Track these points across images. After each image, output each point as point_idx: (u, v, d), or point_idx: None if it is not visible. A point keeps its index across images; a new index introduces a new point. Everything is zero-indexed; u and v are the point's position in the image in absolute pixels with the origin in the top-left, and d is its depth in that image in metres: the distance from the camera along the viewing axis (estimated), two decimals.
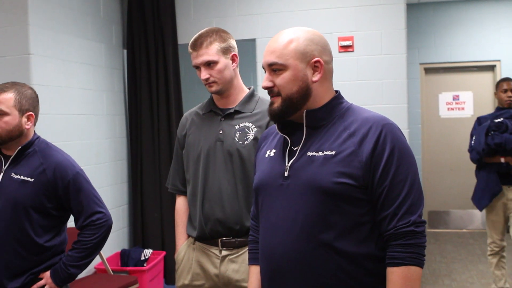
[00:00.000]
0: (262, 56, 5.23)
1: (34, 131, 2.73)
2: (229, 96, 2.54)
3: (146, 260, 5.08)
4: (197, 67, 2.49)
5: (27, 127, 2.63)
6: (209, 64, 2.45)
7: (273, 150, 1.91)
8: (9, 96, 2.58)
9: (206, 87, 2.50)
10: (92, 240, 2.65)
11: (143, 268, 4.88)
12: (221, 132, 2.49)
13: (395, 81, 5.05)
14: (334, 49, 5.14)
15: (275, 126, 1.92)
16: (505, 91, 5.01)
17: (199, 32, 2.51)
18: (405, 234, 1.69)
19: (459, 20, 7.72)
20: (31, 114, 2.65)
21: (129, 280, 4.40)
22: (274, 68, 1.80)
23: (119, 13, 5.56)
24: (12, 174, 2.60)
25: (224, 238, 2.48)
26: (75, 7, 4.73)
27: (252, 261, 2.05)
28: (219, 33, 2.50)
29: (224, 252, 2.49)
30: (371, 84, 5.09)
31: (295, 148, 1.83)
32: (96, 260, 4.79)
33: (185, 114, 2.71)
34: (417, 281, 1.70)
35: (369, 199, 1.73)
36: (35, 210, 2.57)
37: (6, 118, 2.57)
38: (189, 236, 2.62)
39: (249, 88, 2.60)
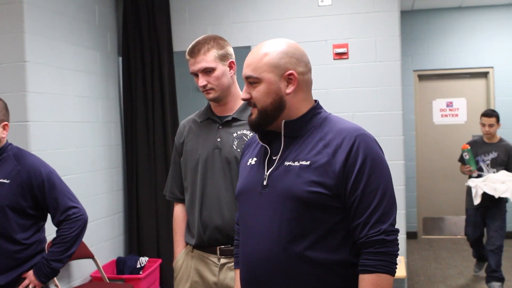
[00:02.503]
0: None
1: (6, 139, 2.87)
2: (227, 103, 2.54)
3: (142, 268, 5.07)
4: (195, 74, 2.49)
5: (3, 136, 2.80)
6: (207, 71, 2.45)
7: (255, 159, 1.96)
8: None
9: (203, 94, 2.50)
10: (70, 234, 2.81)
11: (139, 276, 4.86)
12: (219, 139, 2.49)
13: (389, 88, 5.07)
14: (329, 57, 5.17)
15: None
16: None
17: (197, 39, 2.52)
18: (376, 242, 1.73)
19: (452, 27, 7.77)
20: (6, 124, 2.81)
21: None
22: (250, 81, 1.86)
23: (114, 21, 5.56)
24: None
25: (222, 246, 2.48)
26: (71, 14, 4.73)
27: (237, 265, 2.11)
28: (216, 40, 2.50)
29: (222, 260, 2.48)
30: (365, 91, 5.11)
31: (274, 158, 1.87)
32: (92, 268, 4.78)
33: (183, 122, 2.71)
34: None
35: (343, 208, 1.77)
36: (12, 209, 2.73)
37: None
38: (187, 244, 2.62)
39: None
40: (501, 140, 5.47)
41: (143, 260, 5.14)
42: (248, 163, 1.98)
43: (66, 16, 4.66)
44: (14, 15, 4.10)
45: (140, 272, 5.03)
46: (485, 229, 5.60)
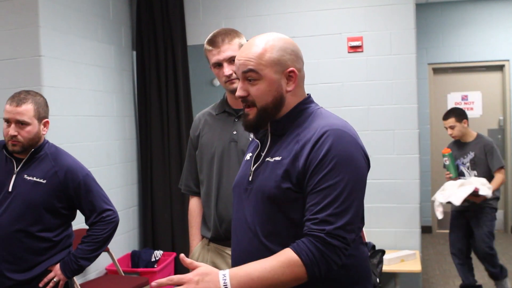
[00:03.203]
0: None
1: (44, 136, 2.87)
2: None
3: (156, 261, 5.09)
4: (217, 65, 2.45)
5: (43, 133, 2.81)
6: (232, 60, 2.39)
7: (250, 154, 1.94)
8: (29, 107, 2.71)
9: (226, 84, 2.45)
10: (102, 235, 2.85)
11: (154, 269, 4.89)
12: (235, 132, 2.48)
13: (404, 81, 5.03)
14: (343, 50, 5.14)
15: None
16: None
17: (216, 31, 2.50)
18: (315, 237, 1.60)
19: (467, 20, 7.70)
20: (47, 121, 2.83)
21: (140, 281, 4.41)
22: (249, 77, 1.77)
23: (128, 15, 5.57)
24: (25, 176, 2.74)
25: None
26: (85, 9, 4.74)
27: None
28: (236, 31, 2.50)
29: None
30: (380, 84, 5.08)
31: (262, 154, 1.85)
32: (107, 261, 4.81)
33: (198, 115, 2.70)
34: (291, 273, 1.59)
35: None
36: (46, 209, 2.73)
37: (28, 128, 2.72)
38: (203, 237, 2.62)
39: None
40: (477, 137, 5.01)
41: (158, 253, 5.16)
42: (245, 158, 1.97)
43: (81, 10, 4.68)
44: (29, 10, 4.12)
45: (155, 266, 5.05)
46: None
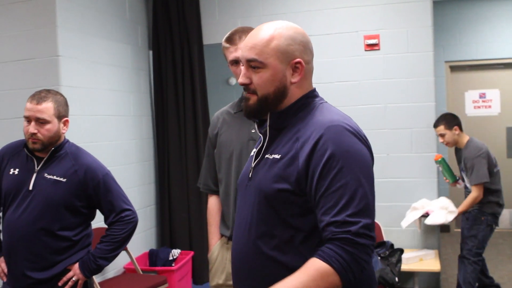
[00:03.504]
0: None
1: (64, 135, 2.88)
2: None
3: (174, 260, 5.10)
4: (235, 62, 2.45)
5: (63, 131, 2.82)
6: None
7: (254, 149, 1.87)
8: (49, 105, 2.73)
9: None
10: (121, 235, 2.85)
11: (172, 268, 4.90)
12: (253, 131, 2.47)
13: (421, 79, 5.00)
14: (360, 48, 5.12)
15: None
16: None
17: (234, 29, 2.51)
18: (342, 240, 1.52)
19: (484, 17, 7.62)
20: (67, 120, 2.84)
21: (158, 280, 4.43)
22: (252, 65, 1.71)
23: (144, 15, 5.59)
24: (45, 174, 2.75)
25: None
26: (102, 9, 4.77)
27: None
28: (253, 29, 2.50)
29: None
30: (397, 82, 5.05)
31: (264, 148, 1.79)
32: (125, 260, 4.83)
33: (216, 113, 2.70)
34: (326, 285, 1.51)
35: (310, 207, 1.62)
36: (65, 208, 2.74)
37: (48, 126, 2.73)
38: (222, 235, 2.62)
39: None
40: (467, 143, 4.69)
41: (176, 252, 5.17)
42: (251, 154, 1.90)
43: (97, 10, 4.70)
44: (47, 10, 4.14)
45: (173, 264, 5.06)
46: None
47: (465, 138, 4.72)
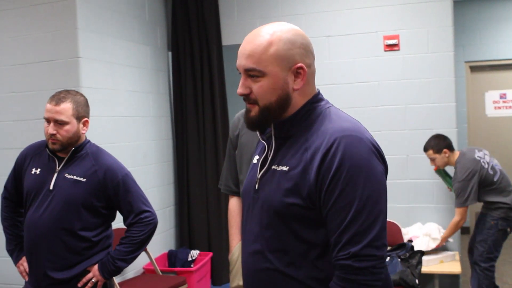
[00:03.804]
0: None
1: (85, 135, 2.89)
2: None
3: (193, 261, 5.11)
4: None
5: (83, 132, 2.82)
6: None
7: (257, 157, 1.78)
8: (68, 106, 2.73)
9: None
10: (140, 236, 2.83)
11: (191, 268, 4.90)
12: None
13: (442, 79, 4.96)
14: (380, 48, 5.09)
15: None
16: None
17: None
18: (342, 267, 1.49)
19: (505, 16, 7.54)
20: (87, 120, 2.84)
21: (178, 281, 4.44)
22: (251, 74, 1.61)
23: (163, 16, 5.61)
24: (66, 174, 2.76)
25: None
26: (122, 10, 4.79)
27: None
28: None
29: None
30: (417, 83, 5.02)
31: (269, 158, 1.69)
32: (145, 260, 4.84)
33: (237, 115, 2.69)
34: None
35: (322, 220, 1.56)
36: (85, 208, 2.74)
37: (67, 127, 2.73)
38: None
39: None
40: (456, 163, 4.57)
41: (195, 253, 5.18)
42: (253, 161, 1.82)
43: (117, 12, 4.73)
44: (67, 12, 4.17)
45: (192, 265, 5.07)
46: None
47: (455, 157, 4.62)
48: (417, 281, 4.08)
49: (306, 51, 1.63)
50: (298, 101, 1.65)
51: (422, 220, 4.94)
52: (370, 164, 1.53)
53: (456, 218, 4.54)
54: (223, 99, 5.56)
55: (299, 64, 1.61)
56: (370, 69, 5.12)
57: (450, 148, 4.64)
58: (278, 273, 1.60)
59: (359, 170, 1.50)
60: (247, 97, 1.64)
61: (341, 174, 1.49)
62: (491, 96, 7.84)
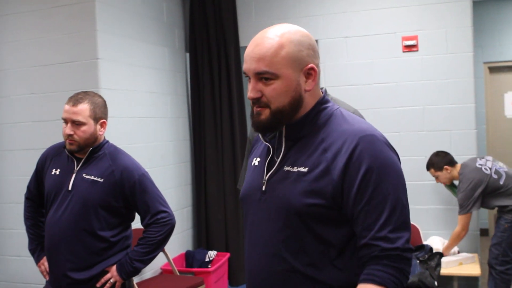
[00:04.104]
0: (323, 58, 5.20)
1: (104, 136, 2.90)
2: None
3: (210, 261, 5.12)
4: None
5: (100, 133, 2.83)
6: None
7: (258, 159, 1.76)
8: (85, 107, 2.74)
9: None
10: (157, 237, 2.82)
11: (209, 269, 4.91)
12: None
13: (461, 80, 4.92)
14: (398, 49, 5.07)
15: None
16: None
17: None
18: (392, 257, 1.50)
19: None
20: (104, 122, 2.84)
21: (195, 281, 4.44)
22: (263, 77, 1.59)
23: (181, 17, 5.63)
24: (84, 175, 2.78)
25: None
26: (140, 12, 4.82)
27: None
28: None
29: None
30: (436, 84, 4.99)
31: (277, 159, 1.67)
32: (163, 261, 4.86)
33: None
34: None
35: (346, 221, 1.56)
36: (103, 208, 2.74)
37: (84, 128, 2.74)
38: None
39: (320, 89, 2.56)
40: (459, 176, 4.55)
41: (212, 253, 5.19)
42: (253, 163, 1.79)
43: (136, 14, 4.75)
44: (87, 14, 4.20)
45: (209, 266, 5.08)
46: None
47: (458, 170, 4.60)
48: (436, 283, 4.05)
49: (314, 51, 1.63)
50: (309, 102, 1.64)
51: (441, 223, 4.91)
52: (393, 160, 1.58)
53: (458, 228, 4.50)
54: (240, 100, 5.56)
55: (311, 65, 1.61)
56: (388, 70, 5.10)
57: (451, 164, 4.64)
58: (298, 274, 1.58)
59: (388, 168, 1.54)
60: (258, 101, 1.62)
61: (372, 173, 1.52)
62: (510, 97, 7.76)
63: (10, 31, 4.42)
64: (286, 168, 1.62)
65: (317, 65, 1.65)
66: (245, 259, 1.77)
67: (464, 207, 4.44)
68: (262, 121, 1.62)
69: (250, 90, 1.62)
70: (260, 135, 1.75)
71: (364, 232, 1.52)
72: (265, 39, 1.60)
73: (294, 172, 1.59)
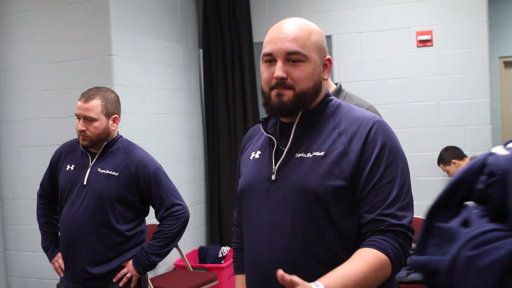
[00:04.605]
0: (337, 53, 5.18)
1: (117, 131, 2.92)
2: None
3: (223, 257, 5.13)
4: None
5: (113, 128, 2.85)
6: None
7: (258, 152, 1.77)
8: (96, 103, 2.77)
9: None
10: (172, 230, 2.85)
11: (222, 265, 4.93)
12: None
13: (476, 75, 4.88)
14: (412, 44, 5.04)
15: (259, 125, 1.80)
16: None
17: None
18: (396, 232, 1.53)
19: None
20: (116, 117, 2.86)
21: (209, 277, 4.45)
22: (293, 58, 1.62)
23: (195, 14, 5.63)
24: (99, 169, 2.81)
25: None
26: (154, 9, 4.82)
27: (238, 270, 1.95)
28: None
29: None
30: (451, 79, 4.95)
31: (283, 149, 1.69)
32: (176, 257, 4.88)
33: None
34: (382, 275, 1.51)
35: (357, 204, 1.61)
36: (118, 202, 2.77)
37: (96, 123, 2.77)
38: None
39: (335, 84, 2.55)
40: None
41: (225, 249, 5.20)
42: (251, 157, 1.79)
43: (150, 10, 4.76)
44: (101, 11, 4.22)
45: (222, 262, 5.09)
46: None
47: (466, 163, 4.56)
48: None
49: (326, 46, 1.74)
50: (323, 91, 1.73)
51: None
52: (400, 145, 1.66)
53: None
54: (254, 96, 5.56)
55: (328, 56, 1.72)
56: (402, 65, 5.07)
57: (459, 157, 4.65)
58: (313, 259, 1.59)
59: (397, 150, 1.63)
60: (283, 82, 1.63)
61: (384, 153, 1.59)
62: None
63: (25, 28, 4.44)
64: (298, 155, 1.65)
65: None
66: (247, 253, 1.76)
67: None
68: (284, 103, 1.64)
69: (278, 69, 1.63)
70: (262, 128, 1.76)
71: (372, 209, 1.57)
72: (295, 25, 1.67)
73: (309, 157, 1.63)
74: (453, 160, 4.65)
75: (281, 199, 1.64)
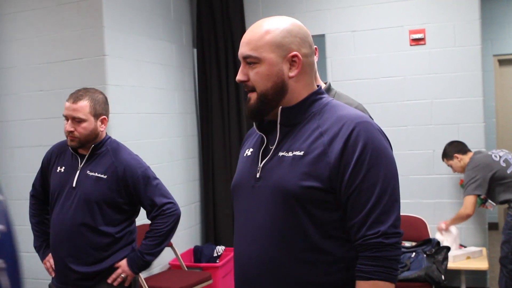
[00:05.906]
0: (330, 52, 5.20)
1: (106, 132, 2.92)
2: None
3: (218, 256, 5.14)
4: None
5: (101, 129, 2.85)
6: None
7: (251, 149, 1.79)
8: (85, 104, 2.77)
9: None
10: (164, 228, 2.86)
11: (216, 264, 4.93)
12: None
13: (469, 73, 4.90)
14: (405, 43, 5.05)
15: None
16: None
17: None
18: (373, 245, 1.54)
19: None
20: (105, 118, 2.86)
21: (203, 276, 4.47)
22: (248, 61, 1.66)
23: (188, 13, 5.64)
24: (88, 172, 2.81)
25: None
26: (147, 9, 4.83)
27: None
28: None
29: None
30: (444, 77, 4.97)
31: (271, 147, 1.70)
32: (171, 256, 4.89)
33: None
34: None
35: (339, 203, 1.59)
36: (108, 204, 2.77)
37: (84, 124, 2.77)
38: None
39: (325, 83, 2.56)
40: (470, 160, 4.58)
41: (220, 249, 5.21)
42: (245, 154, 1.82)
43: (143, 10, 4.77)
44: (94, 11, 4.22)
45: (217, 261, 5.09)
46: None
47: (469, 157, 4.60)
48: (443, 277, 4.05)
49: (303, 41, 1.68)
50: (296, 89, 1.68)
51: (448, 217, 4.89)
52: (386, 147, 1.62)
53: (462, 208, 4.47)
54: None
55: (294, 53, 1.65)
56: (395, 64, 5.08)
57: (462, 152, 4.65)
58: (299, 259, 1.60)
59: (380, 153, 1.58)
60: (246, 85, 1.69)
61: (365, 156, 1.56)
62: None
63: (18, 29, 4.45)
64: (281, 154, 1.65)
65: (306, 55, 1.68)
66: (235, 250, 1.77)
67: (465, 188, 4.45)
68: (251, 106, 1.68)
69: (239, 73, 1.69)
70: (254, 126, 1.78)
71: (353, 215, 1.57)
72: (256, 27, 1.68)
73: (289, 156, 1.63)
74: (456, 155, 4.65)
75: (263, 198, 1.65)
